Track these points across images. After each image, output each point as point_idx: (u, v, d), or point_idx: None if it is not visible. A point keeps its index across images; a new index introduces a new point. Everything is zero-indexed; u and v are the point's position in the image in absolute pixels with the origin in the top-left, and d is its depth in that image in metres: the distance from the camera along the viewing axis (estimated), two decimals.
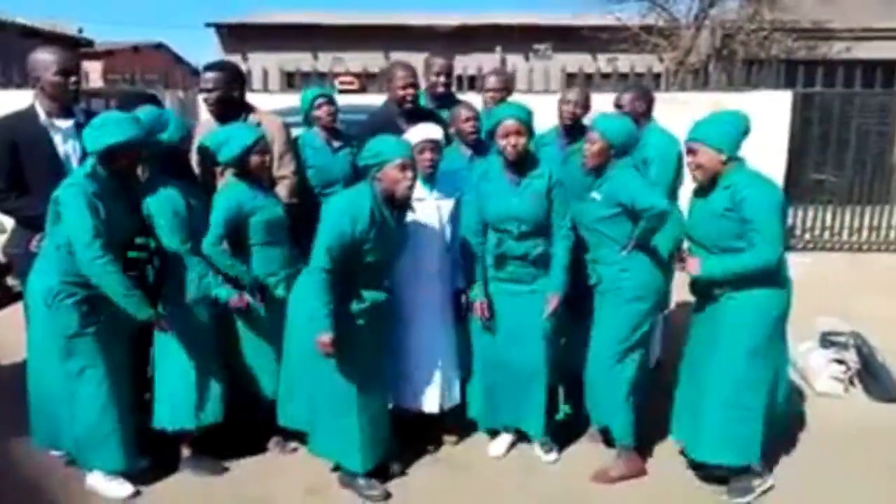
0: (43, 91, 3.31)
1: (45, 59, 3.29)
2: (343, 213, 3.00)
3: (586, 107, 3.98)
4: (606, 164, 3.25)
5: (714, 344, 3.14)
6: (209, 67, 3.70)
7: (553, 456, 3.56)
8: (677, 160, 3.77)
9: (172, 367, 3.24)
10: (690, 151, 3.09)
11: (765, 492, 3.21)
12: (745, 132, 3.07)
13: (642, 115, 3.98)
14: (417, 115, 3.88)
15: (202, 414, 3.27)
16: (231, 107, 3.66)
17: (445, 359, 3.53)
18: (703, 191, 3.16)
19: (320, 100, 3.78)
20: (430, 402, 3.51)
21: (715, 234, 3.07)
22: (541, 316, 3.33)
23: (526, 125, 3.29)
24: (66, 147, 3.35)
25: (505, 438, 3.66)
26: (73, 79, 3.32)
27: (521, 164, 3.33)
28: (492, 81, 4.23)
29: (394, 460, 3.39)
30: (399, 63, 4.07)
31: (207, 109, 3.69)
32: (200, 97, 3.74)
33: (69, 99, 3.38)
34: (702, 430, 3.16)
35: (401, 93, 3.92)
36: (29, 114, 3.34)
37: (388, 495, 3.22)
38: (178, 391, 3.24)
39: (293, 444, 3.56)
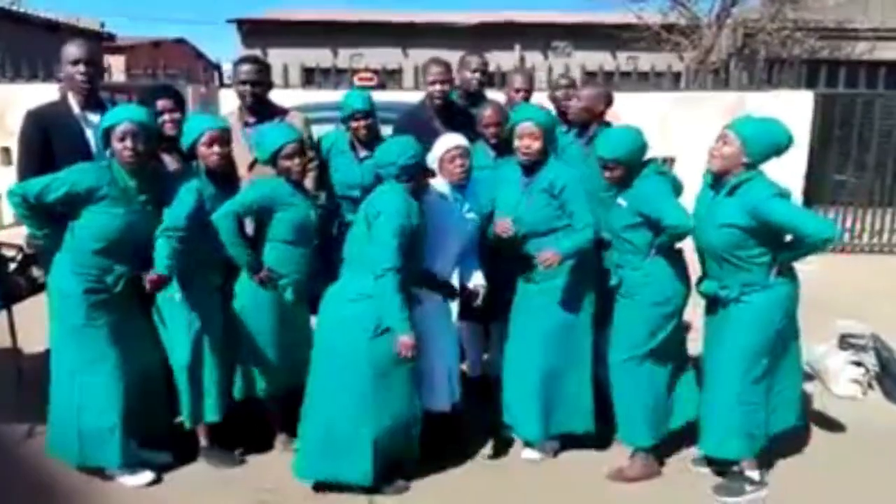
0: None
1: (64, 51, 3.36)
2: (401, 210, 3.00)
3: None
4: (624, 177, 3.21)
5: (720, 343, 3.17)
6: (247, 60, 3.70)
7: (536, 454, 3.55)
8: None
9: (177, 360, 3.23)
10: (722, 138, 3.05)
11: (754, 501, 3.18)
12: (780, 151, 3.03)
13: (599, 115, 3.88)
14: (452, 113, 3.92)
15: (203, 411, 3.27)
16: (266, 101, 3.71)
17: (451, 357, 3.55)
18: (709, 190, 3.15)
19: (359, 114, 3.65)
20: (441, 400, 3.52)
21: (718, 243, 3.06)
22: (544, 318, 3.36)
23: (544, 129, 3.31)
24: (96, 140, 3.36)
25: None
26: (80, 68, 3.33)
27: (532, 167, 3.35)
28: (518, 80, 4.26)
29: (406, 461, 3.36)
30: (435, 59, 4.09)
31: (246, 102, 3.66)
32: (238, 89, 3.64)
33: (81, 89, 3.38)
34: (708, 426, 3.21)
35: (430, 88, 3.96)
36: (63, 105, 3.41)
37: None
38: (181, 386, 3.23)
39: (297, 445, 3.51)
